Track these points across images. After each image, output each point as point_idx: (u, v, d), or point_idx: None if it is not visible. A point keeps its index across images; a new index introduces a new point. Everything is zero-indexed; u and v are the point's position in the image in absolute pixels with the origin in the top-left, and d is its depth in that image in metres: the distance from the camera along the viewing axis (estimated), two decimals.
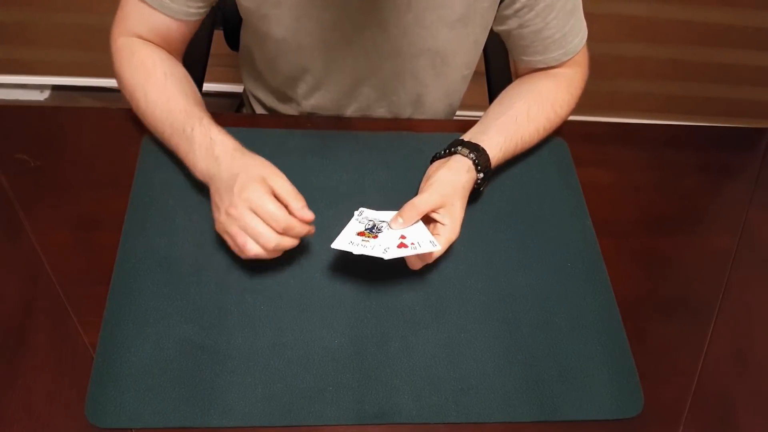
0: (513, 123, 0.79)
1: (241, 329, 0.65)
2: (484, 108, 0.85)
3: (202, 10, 0.80)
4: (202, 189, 0.76)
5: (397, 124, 0.90)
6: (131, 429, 0.59)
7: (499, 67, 1.08)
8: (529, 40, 0.82)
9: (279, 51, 0.84)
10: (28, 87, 1.87)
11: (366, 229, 0.68)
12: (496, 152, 0.75)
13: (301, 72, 0.87)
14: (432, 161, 0.77)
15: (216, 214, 0.67)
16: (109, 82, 1.80)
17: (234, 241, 0.65)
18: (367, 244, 0.65)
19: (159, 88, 0.76)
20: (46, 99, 1.88)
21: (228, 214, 0.64)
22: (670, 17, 1.64)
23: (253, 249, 0.63)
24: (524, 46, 0.84)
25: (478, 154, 0.73)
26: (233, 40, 1.11)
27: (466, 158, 0.73)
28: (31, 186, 0.76)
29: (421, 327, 0.67)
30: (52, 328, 0.65)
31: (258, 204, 0.63)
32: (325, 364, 0.64)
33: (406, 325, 0.67)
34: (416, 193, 0.77)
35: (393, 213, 0.69)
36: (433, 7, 0.77)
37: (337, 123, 0.89)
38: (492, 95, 1.08)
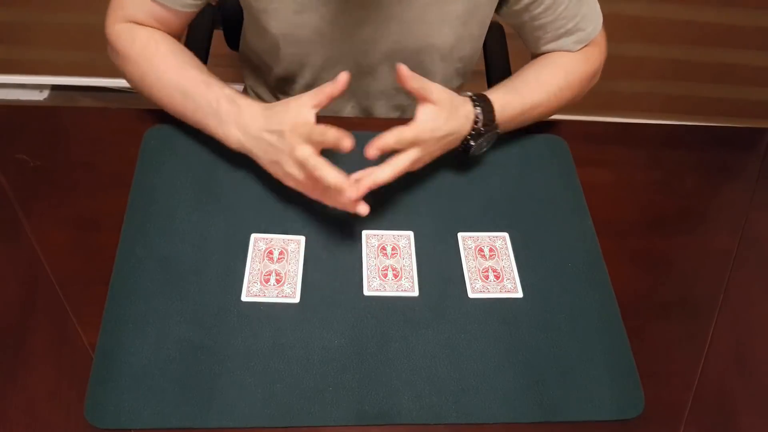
0: (520, 82, 0.80)
1: (241, 329, 0.65)
2: None
3: (199, 1, 0.80)
4: (201, 189, 0.76)
5: (397, 124, 0.90)
6: (131, 429, 0.59)
7: (499, 67, 1.08)
8: (542, 31, 0.83)
9: (278, 45, 0.84)
10: (27, 87, 1.87)
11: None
12: (498, 97, 0.75)
13: (300, 67, 0.87)
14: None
15: (268, 166, 0.72)
16: (109, 82, 1.80)
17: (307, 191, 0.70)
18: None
19: (169, 67, 0.76)
20: (45, 99, 1.88)
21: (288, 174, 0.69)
22: (670, 17, 1.64)
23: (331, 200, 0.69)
24: (537, 37, 0.84)
25: (478, 97, 0.74)
26: (233, 40, 1.11)
27: (464, 96, 0.74)
28: (31, 186, 0.75)
29: (421, 327, 0.67)
30: (52, 328, 0.65)
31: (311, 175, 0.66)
32: (325, 364, 0.64)
33: (406, 325, 0.67)
34: (415, 195, 0.78)
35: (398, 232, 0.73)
36: (436, 3, 0.77)
37: (337, 123, 0.88)
38: None
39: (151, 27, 0.80)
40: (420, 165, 0.72)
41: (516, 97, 0.78)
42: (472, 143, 0.75)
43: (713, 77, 1.80)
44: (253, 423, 0.60)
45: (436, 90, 0.70)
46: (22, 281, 0.68)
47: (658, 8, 1.62)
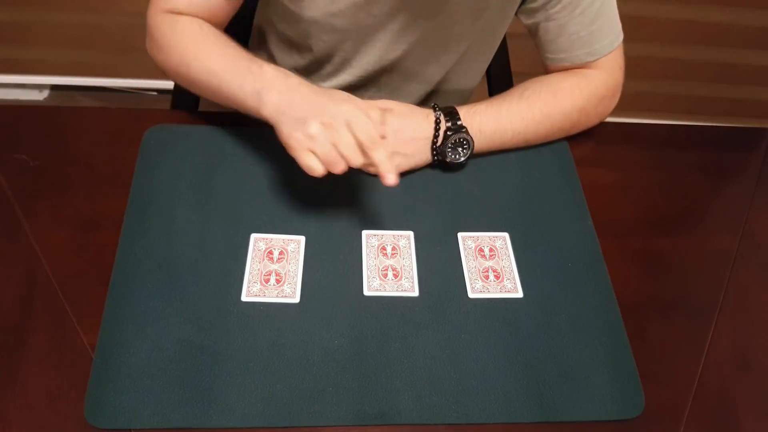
0: (498, 97, 0.82)
1: (240, 329, 0.65)
2: None
3: None
4: (201, 189, 0.76)
5: None
6: (130, 430, 0.59)
7: (499, 67, 1.07)
8: (555, 34, 0.83)
9: (310, 32, 0.84)
10: (27, 87, 1.87)
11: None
12: (467, 108, 0.79)
13: (331, 51, 0.87)
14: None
15: (294, 133, 0.66)
16: (109, 82, 1.80)
17: (324, 156, 0.65)
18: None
19: (211, 46, 0.75)
20: (45, 99, 1.88)
21: (323, 124, 0.64)
22: (670, 17, 1.64)
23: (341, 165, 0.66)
24: (550, 41, 0.84)
25: (444, 107, 0.78)
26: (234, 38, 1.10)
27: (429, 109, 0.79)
28: (30, 186, 0.75)
29: (421, 327, 0.67)
30: (52, 328, 0.64)
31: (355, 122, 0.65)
32: (325, 364, 0.64)
33: (406, 325, 0.67)
34: (415, 195, 0.77)
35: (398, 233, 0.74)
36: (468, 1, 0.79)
37: None
38: (492, 95, 1.07)
39: (195, 17, 0.78)
40: (397, 169, 0.72)
41: (490, 108, 0.80)
42: (446, 148, 0.77)
43: (714, 77, 1.80)
44: (253, 423, 0.60)
45: (383, 101, 0.77)
46: (21, 281, 0.68)
47: (659, 8, 1.62)
